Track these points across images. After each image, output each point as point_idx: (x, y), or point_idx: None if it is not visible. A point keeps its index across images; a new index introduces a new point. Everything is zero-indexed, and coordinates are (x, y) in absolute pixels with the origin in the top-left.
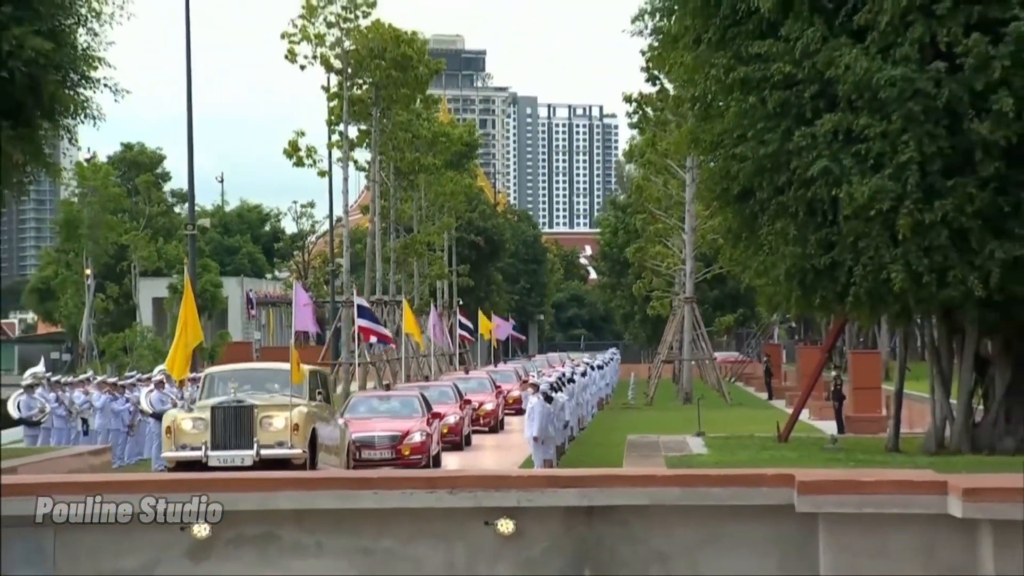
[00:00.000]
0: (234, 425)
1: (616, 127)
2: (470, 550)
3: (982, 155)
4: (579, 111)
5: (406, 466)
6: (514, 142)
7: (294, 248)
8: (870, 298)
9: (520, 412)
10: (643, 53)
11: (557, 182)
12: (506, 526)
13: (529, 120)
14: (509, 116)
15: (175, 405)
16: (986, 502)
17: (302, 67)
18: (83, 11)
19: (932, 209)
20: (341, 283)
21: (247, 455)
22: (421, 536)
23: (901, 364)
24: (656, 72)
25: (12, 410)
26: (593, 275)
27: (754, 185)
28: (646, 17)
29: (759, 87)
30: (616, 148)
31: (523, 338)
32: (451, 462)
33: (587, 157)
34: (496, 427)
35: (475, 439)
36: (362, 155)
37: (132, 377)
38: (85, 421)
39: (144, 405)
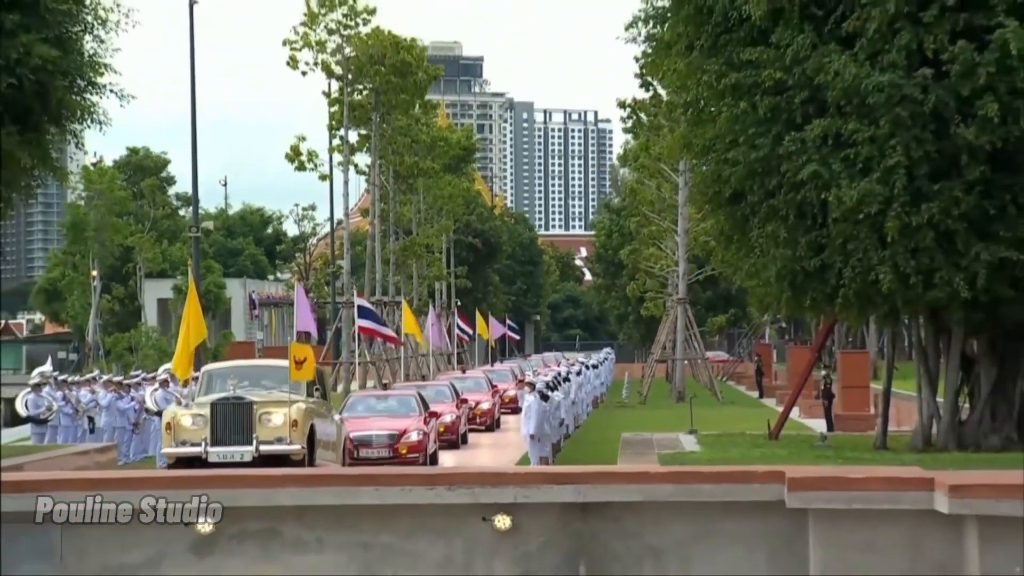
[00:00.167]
0: (233, 421)
1: (610, 132)
2: (468, 545)
3: (968, 159)
4: (574, 116)
5: (403, 464)
6: (511, 146)
7: (296, 250)
8: (859, 299)
9: (516, 411)
10: (637, 60)
11: (553, 185)
12: (503, 522)
13: (525, 125)
14: (506, 121)
15: (179, 403)
16: (972, 498)
17: (303, 73)
18: (89, 19)
19: (919, 212)
20: (342, 284)
21: (246, 451)
22: (420, 531)
23: (889, 363)
24: (649, 78)
25: (20, 408)
26: (588, 276)
27: (745, 189)
28: (640, 24)
29: (750, 93)
30: (610, 152)
31: (517, 337)
32: (448, 460)
33: (582, 161)
34: (492, 426)
35: (471, 437)
36: (362, 159)
37: (137, 376)
38: (91, 419)
39: (149, 403)
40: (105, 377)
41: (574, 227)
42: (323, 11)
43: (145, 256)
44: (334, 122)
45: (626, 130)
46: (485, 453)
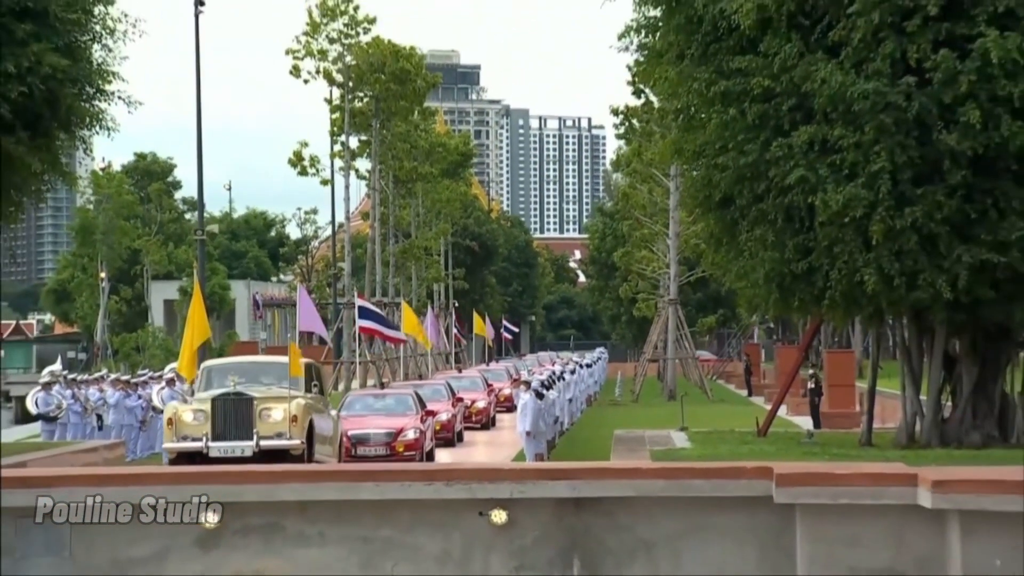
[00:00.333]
0: (234, 416)
1: (604, 138)
2: (465, 539)
3: (950, 164)
4: (569, 123)
5: (400, 462)
6: (507, 152)
7: (298, 252)
8: (844, 300)
9: (511, 409)
10: (629, 68)
11: (548, 190)
12: (499, 516)
13: (521, 131)
14: (502, 127)
15: (185, 401)
16: (954, 493)
17: (306, 81)
18: (98, 28)
19: (903, 216)
20: (343, 286)
21: (247, 446)
22: (419, 525)
23: (874, 363)
24: (641, 86)
25: (30, 406)
26: (582, 278)
27: (734, 193)
28: (632, 34)
29: (739, 100)
30: (604, 158)
31: (510, 337)
32: (444, 458)
33: (576, 166)
34: (488, 424)
35: (467, 435)
36: (363, 164)
37: (144, 375)
38: (100, 417)
39: (156, 401)
40: (113, 376)
41: (568, 230)
42: (325, 21)
43: (152, 258)
44: (335, 128)
45: (619, 136)
46: (481, 450)
